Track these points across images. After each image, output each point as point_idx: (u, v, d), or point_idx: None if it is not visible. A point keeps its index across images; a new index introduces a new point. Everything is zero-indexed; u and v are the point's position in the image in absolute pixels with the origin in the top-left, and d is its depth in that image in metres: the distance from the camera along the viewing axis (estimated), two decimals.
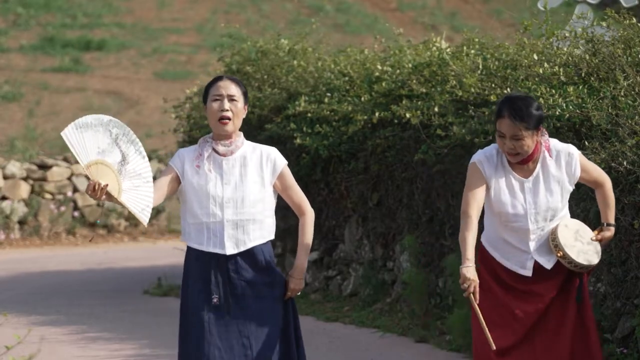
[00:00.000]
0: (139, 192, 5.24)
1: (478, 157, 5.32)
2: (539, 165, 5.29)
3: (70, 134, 5.13)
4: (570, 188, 5.35)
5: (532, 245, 5.28)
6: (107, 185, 5.11)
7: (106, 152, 5.19)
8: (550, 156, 5.30)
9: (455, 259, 8.27)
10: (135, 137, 5.28)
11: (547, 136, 5.35)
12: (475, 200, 5.24)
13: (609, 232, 5.45)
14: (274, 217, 5.49)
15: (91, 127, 5.17)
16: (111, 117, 5.26)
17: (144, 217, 5.24)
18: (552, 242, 5.26)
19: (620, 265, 6.88)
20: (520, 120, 5.12)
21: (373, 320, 9.32)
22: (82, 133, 5.14)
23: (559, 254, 5.24)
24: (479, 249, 5.45)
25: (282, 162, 5.48)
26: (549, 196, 5.26)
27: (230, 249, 5.35)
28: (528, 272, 5.27)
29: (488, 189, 5.30)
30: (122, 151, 5.22)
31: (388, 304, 9.59)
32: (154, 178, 5.33)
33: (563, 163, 5.30)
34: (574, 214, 7.12)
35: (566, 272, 5.33)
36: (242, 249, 5.37)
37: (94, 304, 10.99)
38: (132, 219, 18.18)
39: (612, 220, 5.47)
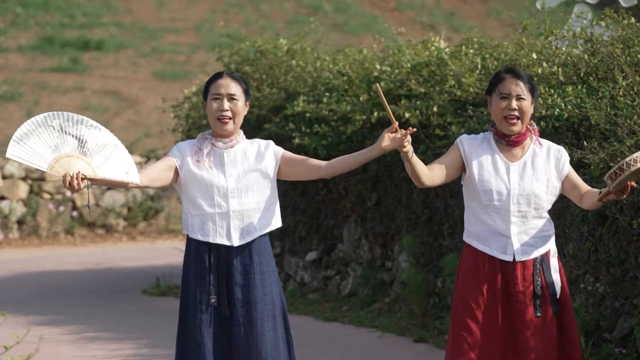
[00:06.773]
0: (114, 160, 5.10)
1: (460, 137, 5.38)
2: (527, 153, 5.30)
3: (16, 151, 4.98)
4: (557, 185, 5.29)
5: (513, 229, 5.23)
6: (79, 172, 4.97)
7: (59, 145, 5.03)
8: (540, 145, 5.33)
9: (454, 259, 8.28)
10: (80, 116, 5.12)
11: (536, 127, 5.38)
12: (436, 168, 5.27)
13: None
14: (278, 203, 5.42)
15: (31, 133, 5.02)
16: (45, 114, 5.08)
17: (132, 178, 5.11)
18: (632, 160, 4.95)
19: (619, 265, 6.88)
20: (523, 79, 5.24)
21: (372, 320, 9.31)
22: (25, 144, 4.99)
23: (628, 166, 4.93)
24: (463, 252, 5.39)
25: (280, 148, 5.44)
26: (534, 181, 5.26)
27: (237, 241, 5.30)
28: (509, 257, 5.22)
29: (468, 168, 5.29)
30: (74, 135, 5.07)
31: (387, 303, 9.58)
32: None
33: (552, 157, 5.31)
34: (573, 214, 7.14)
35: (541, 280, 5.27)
36: (249, 239, 5.32)
37: (93, 303, 10.99)
38: (130, 219, 18.17)
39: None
